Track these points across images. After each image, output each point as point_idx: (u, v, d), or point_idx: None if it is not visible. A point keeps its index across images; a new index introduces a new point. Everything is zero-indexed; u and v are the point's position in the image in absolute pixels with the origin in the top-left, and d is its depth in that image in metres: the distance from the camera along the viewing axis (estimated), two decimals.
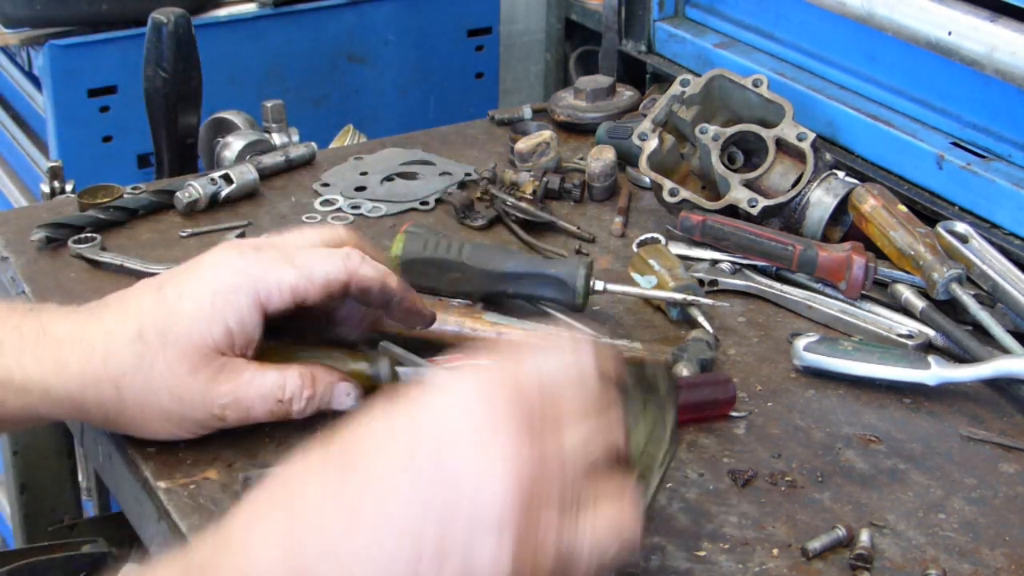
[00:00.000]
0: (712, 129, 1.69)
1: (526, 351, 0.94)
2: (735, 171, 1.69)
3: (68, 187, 1.94)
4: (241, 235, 1.67)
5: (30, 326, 1.23)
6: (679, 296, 1.51)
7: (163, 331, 1.20)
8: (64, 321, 1.23)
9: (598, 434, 0.92)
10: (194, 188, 1.77)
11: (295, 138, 1.99)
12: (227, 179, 1.79)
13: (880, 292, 1.57)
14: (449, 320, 1.44)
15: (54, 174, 1.94)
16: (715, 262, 1.64)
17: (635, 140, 1.74)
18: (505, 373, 0.91)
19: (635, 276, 1.58)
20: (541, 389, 0.91)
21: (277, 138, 1.98)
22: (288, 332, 1.29)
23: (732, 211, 1.65)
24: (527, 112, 2.07)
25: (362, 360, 1.34)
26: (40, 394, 1.21)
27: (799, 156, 1.66)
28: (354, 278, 1.25)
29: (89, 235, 1.68)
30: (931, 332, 1.50)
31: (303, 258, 1.24)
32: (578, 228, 1.74)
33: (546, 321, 1.53)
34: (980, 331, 1.47)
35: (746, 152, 1.72)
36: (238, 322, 1.21)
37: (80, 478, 1.99)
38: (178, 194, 1.76)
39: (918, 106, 1.75)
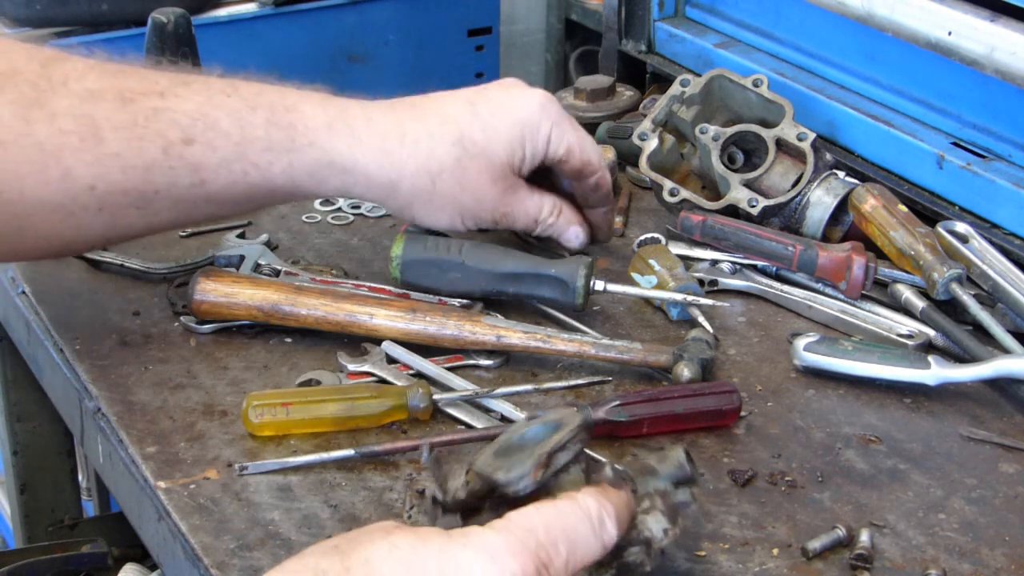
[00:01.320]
0: (712, 129, 1.69)
1: (560, 532, 0.97)
2: (735, 171, 1.69)
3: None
4: (241, 235, 1.67)
5: (355, 114, 1.43)
6: (679, 296, 1.51)
7: (480, 144, 1.44)
8: (384, 115, 1.44)
9: None
10: None
11: None
12: None
13: (880, 292, 1.57)
14: (448, 324, 1.44)
15: None
16: (715, 262, 1.64)
17: (635, 140, 1.74)
18: (538, 559, 0.95)
19: (635, 276, 1.58)
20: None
21: None
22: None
23: (732, 211, 1.65)
24: None
25: (399, 392, 1.35)
26: (362, 177, 1.42)
27: (799, 156, 1.66)
28: (599, 171, 1.54)
29: None
30: (931, 332, 1.50)
31: (584, 133, 1.53)
32: None
33: (546, 323, 1.53)
34: (980, 331, 1.47)
35: (746, 152, 1.72)
36: (532, 153, 1.47)
37: (80, 478, 1.99)
38: None
39: (918, 106, 1.75)
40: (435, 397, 1.36)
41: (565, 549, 0.95)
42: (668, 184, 1.70)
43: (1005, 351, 1.44)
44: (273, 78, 1.48)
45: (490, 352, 1.45)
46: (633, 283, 1.57)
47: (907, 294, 1.53)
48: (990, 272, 1.52)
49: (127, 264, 1.62)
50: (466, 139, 1.44)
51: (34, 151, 1.29)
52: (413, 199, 1.45)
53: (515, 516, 0.97)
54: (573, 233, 1.55)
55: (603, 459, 1.06)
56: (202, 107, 1.37)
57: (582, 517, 0.98)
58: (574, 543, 0.96)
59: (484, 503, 1.08)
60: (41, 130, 1.29)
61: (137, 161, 1.33)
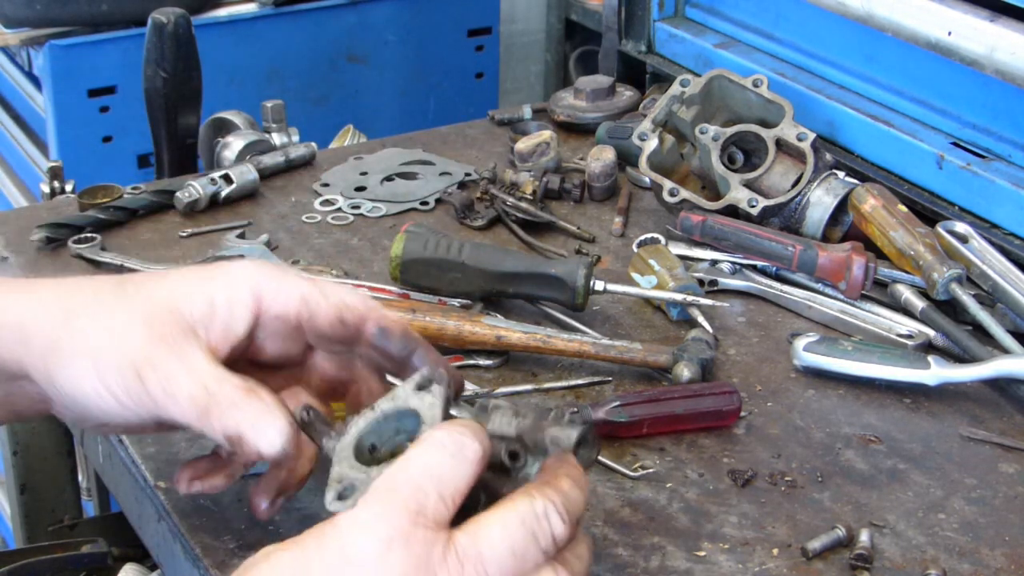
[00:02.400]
0: (712, 129, 1.69)
1: (419, 473, 0.94)
2: (735, 171, 1.69)
3: (68, 187, 1.94)
4: (241, 235, 1.67)
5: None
6: (679, 296, 1.51)
7: (145, 287, 1.09)
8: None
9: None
10: (194, 188, 1.77)
11: (295, 138, 1.99)
12: (227, 179, 1.80)
13: (880, 292, 1.57)
14: (448, 324, 1.44)
15: (54, 174, 1.94)
16: (715, 262, 1.64)
17: (635, 140, 1.74)
18: (408, 510, 0.92)
19: (635, 276, 1.58)
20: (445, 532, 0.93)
21: (277, 138, 1.98)
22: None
23: (732, 211, 1.65)
24: (527, 112, 2.07)
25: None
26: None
27: (799, 156, 1.66)
28: (373, 314, 1.12)
29: (89, 235, 1.68)
30: (931, 332, 1.50)
31: (325, 283, 1.13)
32: (578, 228, 1.74)
33: (546, 323, 1.53)
34: (980, 331, 1.47)
35: (746, 152, 1.72)
36: (225, 302, 1.07)
37: (80, 478, 1.99)
38: (178, 194, 1.76)
39: (918, 106, 1.75)
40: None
41: (433, 486, 0.93)
42: (668, 184, 1.70)
43: (1005, 351, 1.44)
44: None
45: (490, 352, 1.45)
46: (633, 283, 1.57)
47: (907, 294, 1.53)
48: (990, 272, 1.52)
49: (127, 264, 1.62)
50: (130, 284, 1.10)
51: None
52: (46, 343, 1.07)
53: (377, 481, 0.94)
54: (267, 430, 1.04)
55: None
56: None
57: (436, 449, 0.95)
58: (439, 477, 0.93)
59: None
60: None
61: None
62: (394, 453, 1.01)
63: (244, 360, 1.12)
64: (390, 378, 1.16)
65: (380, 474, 0.96)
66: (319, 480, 1.27)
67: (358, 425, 1.01)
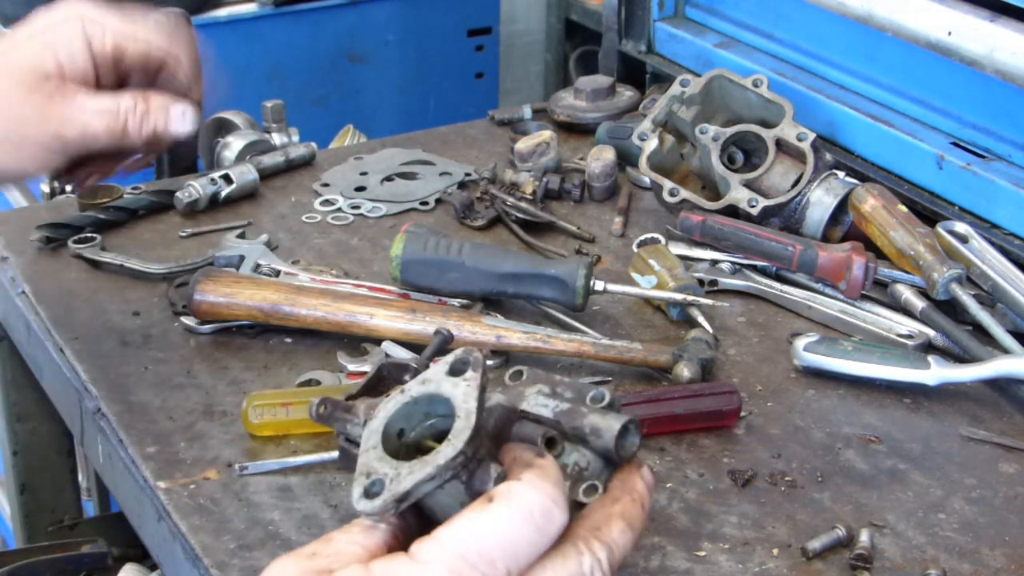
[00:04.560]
0: (712, 129, 1.69)
1: (497, 546, 0.84)
2: (735, 171, 1.69)
3: (68, 187, 1.94)
4: (241, 235, 1.67)
5: None
6: (679, 296, 1.51)
7: (1, 60, 1.29)
8: None
9: None
10: (194, 188, 1.77)
11: (295, 138, 1.99)
12: (227, 179, 1.80)
13: (880, 292, 1.57)
14: (448, 324, 1.44)
15: (54, 174, 1.94)
16: (715, 262, 1.64)
17: (635, 140, 1.74)
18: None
19: (635, 276, 1.58)
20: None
21: (277, 138, 1.98)
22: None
23: (732, 211, 1.65)
24: (527, 112, 2.07)
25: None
26: None
27: (799, 156, 1.66)
28: (170, 58, 1.33)
29: (89, 235, 1.68)
30: (931, 332, 1.50)
31: (140, 19, 1.33)
32: (578, 228, 1.74)
33: (545, 324, 1.53)
34: (980, 331, 1.47)
35: (746, 152, 1.72)
36: (67, 51, 1.28)
37: (80, 478, 1.99)
38: (178, 194, 1.76)
39: (918, 106, 1.75)
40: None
41: (505, 564, 0.83)
42: (668, 184, 1.70)
43: (1005, 351, 1.44)
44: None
45: (490, 352, 1.45)
46: (633, 283, 1.57)
47: (907, 294, 1.53)
48: (990, 272, 1.52)
49: (127, 264, 1.62)
50: None
51: None
52: None
53: (445, 535, 0.84)
54: (177, 113, 1.32)
55: (530, 414, 0.94)
56: None
57: (523, 520, 0.85)
58: (516, 554, 0.84)
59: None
60: None
61: None
62: (421, 444, 0.94)
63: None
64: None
65: (411, 471, 0.87)
66: (317, 478, 1.27)
67: (387, 409, 0.95)
